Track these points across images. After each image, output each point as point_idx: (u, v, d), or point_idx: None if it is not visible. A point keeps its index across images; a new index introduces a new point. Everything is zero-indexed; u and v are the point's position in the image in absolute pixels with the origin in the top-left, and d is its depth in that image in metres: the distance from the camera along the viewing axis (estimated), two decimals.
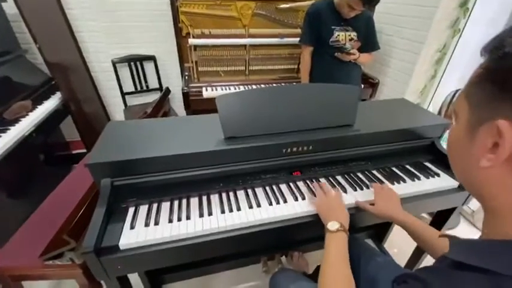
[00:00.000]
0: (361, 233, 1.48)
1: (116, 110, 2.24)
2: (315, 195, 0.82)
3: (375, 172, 0.97)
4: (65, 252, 0.77)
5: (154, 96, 2.19)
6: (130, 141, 0.85)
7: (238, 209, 0.79)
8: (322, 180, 0.92)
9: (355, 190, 0.88)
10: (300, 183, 0.90)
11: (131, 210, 0.78)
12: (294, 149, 0.89)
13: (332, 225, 0.64)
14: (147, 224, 0.73)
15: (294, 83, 1.93)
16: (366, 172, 0.97)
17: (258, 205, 0.80)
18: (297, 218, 0.79)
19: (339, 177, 0.94)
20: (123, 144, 0.84)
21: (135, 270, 0.75)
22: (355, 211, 0.81)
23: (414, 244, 0.74)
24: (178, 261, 0.73)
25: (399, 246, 1.47)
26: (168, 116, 1.86)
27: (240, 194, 0.85)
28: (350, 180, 0.92)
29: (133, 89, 2.14)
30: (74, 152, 2.14)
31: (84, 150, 2.09)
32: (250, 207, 0.80)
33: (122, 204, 0.78)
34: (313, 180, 0.91)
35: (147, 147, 0.82)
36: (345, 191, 0.87)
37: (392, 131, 0.97)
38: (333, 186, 0.89)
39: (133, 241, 0.68)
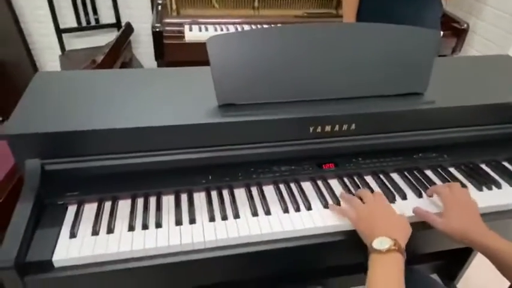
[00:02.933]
0: (422, 264, 1.54)
1: (48, 57, 2.28)
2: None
3: (452, 170, 0.99)
4: None
5: (108, 37, 2.20)
6: (71, 104, 0.88)
7: (236, 216, 0.83)
8: (369, 179, 0.96)
9: (420, 196, 0.91)
10: (334, 182, 0.93)
11: (72, 209, 0.81)
12: (327, 128, 0.91)
13: (380, 243, 0.67)
14: (95, 232, 0.77)
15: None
16: (439, 169, 0.99)
17: (267, 212, 0.84)
18: (326, 234, 0.82)
19: (394, 175, 0.96)
20: (58, 108, 0.86)
21: None
22: (415, 229, 0.84)
23: (505, 284, 0.77)
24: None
25: (480, 286, 1.52)
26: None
27: (240, 193, 0.88)
28: (412, 181, 0.94)
29: (75, 24, 2.14)
30: None
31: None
32: (255, 214, 0.83)
33: (58, 200, 0.82)
34: (354, 178, 0.95)
35: (96, 113, 0.85)
36: (404, 197, 0.90)
37: (486, 107, 0.98)
38: (385, 189, 0.92)
39: (74, 255, 0.72)
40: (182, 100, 0.92)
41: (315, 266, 0.82)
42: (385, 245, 0.67)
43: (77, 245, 0.75)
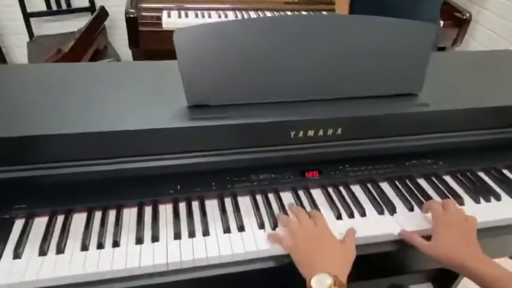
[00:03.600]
0: (416, 273, 1.49)
1: (15, 43, 2.20)
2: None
3: (447, 179, 0.93)
4: None
5: (81, 22, 2.09)
6: (21, 105, 0.80)
7: (206, 233, 0.75)
8: (356, 188, 0.89)
9: (411, 210, 0.84)
10: (316, 192, 0.87)
11: (18, 224, 0.74)
12: (310, 133, 0.84)
13: (319, 283, 0.62)
14: (43, 252, 0.69)
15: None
16: (433, 178, 0.93)
17: (241, 228, 0.77)
18: None
19: (384, 185, 0.90)
20: (10, 108, 0.79)
21: None
22: (401, 246, 0.78)
23: None
24: None
25: None
26: (103, 59, 1.80)
27: (211, 205, 0.82)
28: (403, 191, 0.88)
29: (44, 8, 2.07)
30: None
31: None
32: (227, 230, 0.76)
33: (4, 213, 0.74)
34: (339, 188, 0.88)
35: (48, 116, 0.77)
36: (394, 210, 0.83)
37: (487, 110, 0.92)
38: (373, 201, 0.85)
39: (16, 280, 0.65)
40: (149, 100, 0.85)
41: None
42: (324, 285, 0.61)
43: (21, 266, 0.68)
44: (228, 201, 0.83)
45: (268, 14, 1.85)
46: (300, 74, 0.83)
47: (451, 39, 1.91)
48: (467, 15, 1.88)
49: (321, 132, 0.85)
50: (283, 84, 0.83)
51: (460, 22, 1.89)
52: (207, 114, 0.80)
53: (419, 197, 0.87)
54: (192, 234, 0.75)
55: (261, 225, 0.78)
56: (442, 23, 1.83)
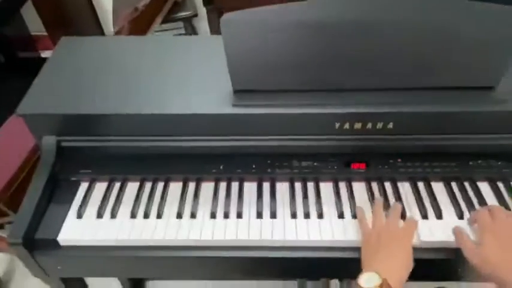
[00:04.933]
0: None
1: None
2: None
3: None
4: (5, 225, 0.94)
5: None
6: (88, 82, 0.89)
7: (239, 215, 0.80)
8: (405, 186, 0.85)
9: (461, 217, 0.78)
10: (360, 186, 0.85)
11: (83, 187, 0.86)
12: (356, 126, 0.81)
13: (367, 280, 0.62)
14: (100, 215, 0.81)
15: None
16: (499, 183, 0.84)
17: (273, 215, 0.80)
18: (334, 248, 0.77)
19: (437, 186, 0.84)
20: (74, 86, 0.88)
21: (83, 274, 0.89)
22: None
23: None
24: (143, 275, 0.83)
25: None
26: (181, 13, 1.84)
27: (250, 188, 0.86)
28: (457, 195, 0.82)
29: None
30: (44, 53, 2.32)
31: None
32: (259, 215, 0.80)
33: (72, 176, 0.87)
34: (385, 184, 0.85)
35: (110, 96, 0.85)
36: (439, 215, 0.78)
37: None
38: (419, 202, 0.81)
39: (77, 237, 0.78)
40: (199, 81, 0.87)
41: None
42: (370, 283, 0.61)
43: (81, 226, 0.80)
44: (266, 185, 0.86)
45: None
46: (351, 61, 0.78)
47: None
48: None
49: (369, 125, 0.81)
50: (332, 72, 0.79)
51: None
52: (252, 101, 0.81)
53: (474, 203, 0.81)
54: (226, 215, 0.80)
55: (293, 215, 0.80)
56: None
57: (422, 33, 0.74)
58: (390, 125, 0.81)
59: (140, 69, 0.91)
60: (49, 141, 0.85)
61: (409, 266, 0.68)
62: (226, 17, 0.74)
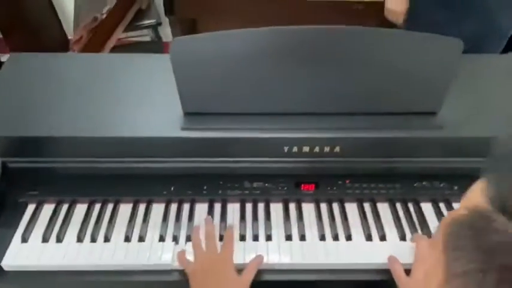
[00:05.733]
0: None
1: None
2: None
3: (457, 206, 0.87)
4: None
5: None
6: (35, 103, 0.87)
7: (189, 238, 0.81)
8: (352, 207, 0.87)
9: (403, 239, 0.81)
10: (309, 208, 0.87)
11: (30, 209, 0.85)
12: (305, 149, 0.83)
13: None
14: (45, 239, 0.80)
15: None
16: (441, 204, 0.88)
17: (221, 237, 0.81)
18: (285, 271, 0.79)
19: (382, 207, 0.87)
20: (24, 104, 0.87)
21: None
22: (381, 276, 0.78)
23: None
24: None
25: None
26: (144, 21, 1.82)
27: (201, 209, 0.86)
28: (403, 215, 0.86)
29: None
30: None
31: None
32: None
33: (19, 197, 0.85)
34: (333, 205, 0.87)
35: (57, 117, 0.84)
36: (383, 237, 0.81)
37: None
38: (364, 223, 0.84)
39: (21, 262, 0.77)
40: (151, 102, 0.87)
41: None
42: None
43: (26, 250, 0.79)
44: (217, 207, 0.87)
45: None
46: (300, 86, 0.80)
47: None
48: None
49: (316, 149, 0.83)
50: (280, 96, 0.81)
51: None
52: (200, 124, 0.81)
53: (416, 224, 0.84)
54: (174, 238, 0.81)
55: (242, 238, 0.82)
56: None
57: (363, 63, 0.78)
58: (337, 149, 0.83)
59: (91, 89, 0.90)
60: None
61: (237, 283, 0.72)
62: (175, 43, 0.75)
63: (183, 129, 0.81)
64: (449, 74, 0.79)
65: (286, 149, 0.83)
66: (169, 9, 1.57)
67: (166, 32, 2.08)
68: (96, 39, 1.45)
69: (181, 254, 0.77)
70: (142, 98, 0.88)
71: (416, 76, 0.79)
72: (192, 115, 0.83)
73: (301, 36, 0.75)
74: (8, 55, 0.98)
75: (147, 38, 2.15)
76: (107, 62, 1.01)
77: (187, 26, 1.66)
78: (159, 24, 1.89)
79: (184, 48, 0.75)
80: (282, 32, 0.75)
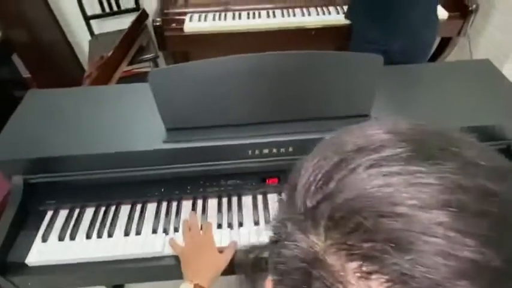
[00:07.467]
0: None
1: (82, 38, 2.53)
2: None
3: None
4: None
5: (130, 20, 2.35)
6: (49, 127, 1.07)
7: (176, 229, 0.99)
8: None
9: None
10: (273, 197, 1.06)
11: (49, 215, 1.04)
12: (265, 151, 1.01)
13: None
14: (61, 238, 0.99)
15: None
16: None
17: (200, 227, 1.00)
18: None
19: None
20: (39, 132, 1.06)
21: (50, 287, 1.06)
22: None
23: None
24: (107, 284, 1.01)
25: None
26: (144, 56, 2.07)
27: (186, 205, 1.05)
28: None
29: (99, 11, 2.34)
30: None
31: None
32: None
33: (40, 206, 1.05)
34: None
35: (66, 140, 1.03)
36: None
37: None
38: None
39: (43, 258, 0.95)
40: (140, 122, 1.06)
41: None
42: None
43: (46, 249, 0.97)
44: (199, 202, 1.06)
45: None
46: (259, 101, 0.99)
47: (455, 30, 1.82)
48: (474, 6, 1.77)
49: (275, 151, 1.02)
50: (243, 110, 0.99)
51: (465, 13, 1.81)
52: (179, 137, 1.00)
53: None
54: (164, 230, 1.00)
55: (219, 225, 1.00)
56: (446, 14, 1.77)
57: (308, 79, 0.96)
58: (290, 149, 1.02)
59: (92, 116, 1.10)
60: (17, 180, 1.02)
61: (217, 264, 0.88)
62: (152, 74, 0.92)
63: (164, 142, 1.00)
64: (373, 83, 0.97)
65: (250, 152, 1.01)
66: (162, 45, 1.82)
67: (167, 62, 2.34)
68: (105, 73, 1.64)
69: (173, 241, 0.96)
70: (134, 120, 1.07)
71: (348, 87, 0.98)
72: (172, 130, 1.01)
73: (257, 61, 0.93)
74: None
75: (148, 69, 2.41)
76: (108, 92, 1.21)
77: (180, 58, 1.90)
78: (157, 57, 2.18)
79: (160, 77, 0.94)
80: (241, 58, 0.93)
